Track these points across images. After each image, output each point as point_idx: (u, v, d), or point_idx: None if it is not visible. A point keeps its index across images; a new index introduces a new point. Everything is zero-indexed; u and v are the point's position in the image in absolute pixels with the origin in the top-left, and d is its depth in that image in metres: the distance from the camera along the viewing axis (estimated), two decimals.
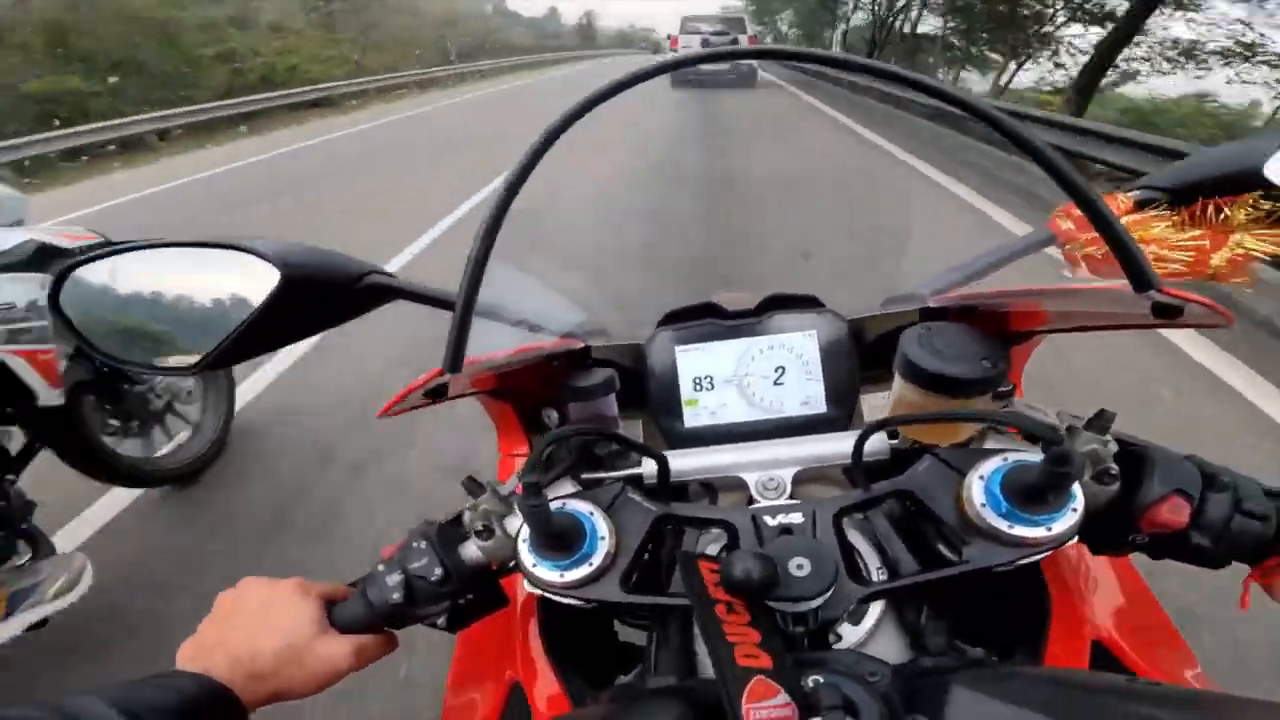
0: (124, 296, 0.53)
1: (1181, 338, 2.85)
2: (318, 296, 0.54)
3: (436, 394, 0.46)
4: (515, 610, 0.61)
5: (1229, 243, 0.50)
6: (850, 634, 0.48)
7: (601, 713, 0.48)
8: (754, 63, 14.23)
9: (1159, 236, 0.53)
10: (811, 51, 0.48)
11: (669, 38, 18.77)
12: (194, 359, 0.52)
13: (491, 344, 0.62)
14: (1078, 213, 0.56)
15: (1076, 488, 0.43)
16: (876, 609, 0.49)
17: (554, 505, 0.48)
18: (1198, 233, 0.52)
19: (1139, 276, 0.41)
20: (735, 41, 15.25)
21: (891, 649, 0.49)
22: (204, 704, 0.43)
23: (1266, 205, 0.51)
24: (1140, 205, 0.56)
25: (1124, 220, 0.55)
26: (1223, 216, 0.52)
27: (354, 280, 0.55)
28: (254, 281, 0.51)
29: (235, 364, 0.54)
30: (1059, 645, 0.49)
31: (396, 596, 0.49)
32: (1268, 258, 0.50)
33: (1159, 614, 0.61)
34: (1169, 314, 0.43)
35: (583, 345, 0.66)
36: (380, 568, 0.51)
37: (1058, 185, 0.42)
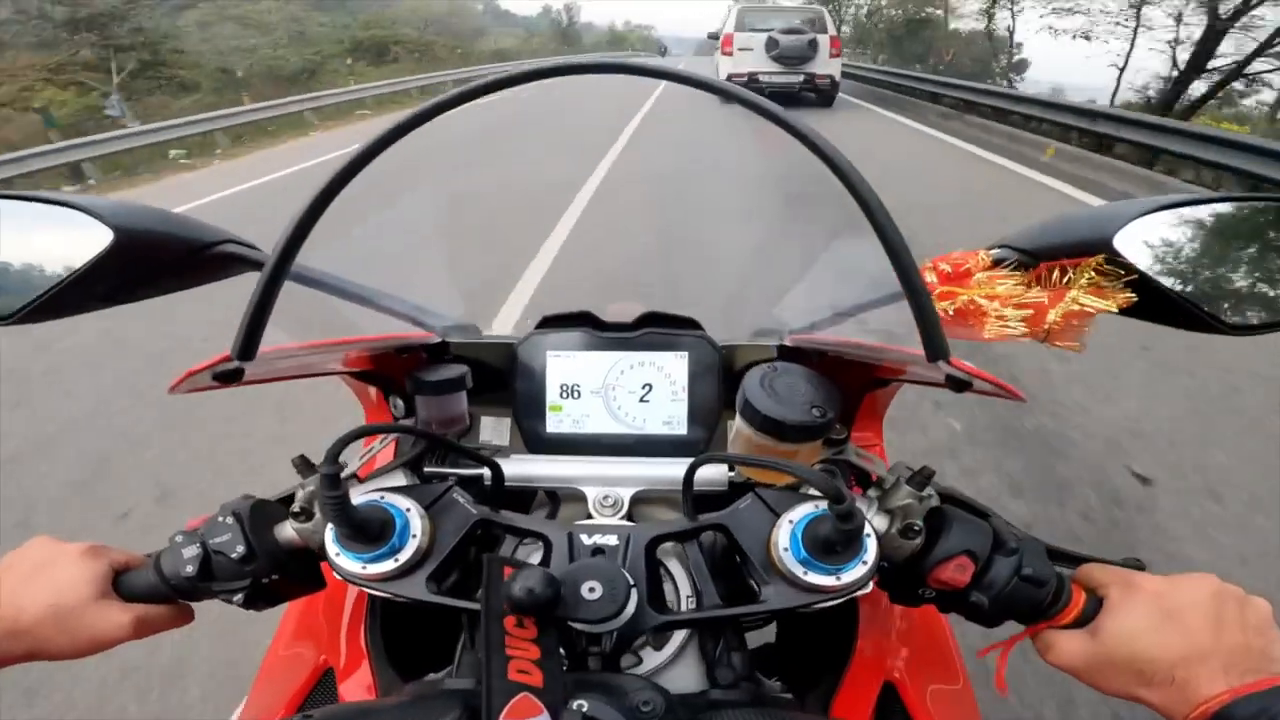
0: None
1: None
2: (156, 260, 0.52)
3: (228, 377, 0.45)
4: (343, 596, 0.60)
5: (1064, 299, 0.51)
6: (650, 659, 0.49)
7: (390, 705, 0.47)
8: (837, 75, 11.27)
9: (1004, 294, 0.53)
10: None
11: (716, 36, 12.60)
12: (5, 311, 0.50)
13: (356, 325, 0.61)
14: (943, 268, 0.57)
15: (870, 541, 0.45)
16: (679, 637, 0.50)
17: (371, 498, 0.48)
18: (1040, 292, 0.53)
19: (932, 346, 0.42)
20: (814, 44, 10.96)
21: (689, 677, 0.50)
22: None
23: (1110, 271, 0.52)
24: (997, 263, 0.57)
25: (977, 276, 0.56)
26: (1066, 279, 0.53)
27: (203, 247, 0.54)
28: (85, 240, 0.49)
29: (53, 319, 0.51)
30: (853, 685, 0.51)
31: (190, 569, 0.48)
32: (1095, 315, 0.51)
33: (956, 664, 0.63)
34: (960, 385, 0.45)
35: (439, 340, 0.65)
36: (179, 538, 0.50)
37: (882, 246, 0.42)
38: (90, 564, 0.48)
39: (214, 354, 0.46)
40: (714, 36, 13.10)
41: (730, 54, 11.61)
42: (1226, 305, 0.52)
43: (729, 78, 8.84)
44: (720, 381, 0.67)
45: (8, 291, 0.50)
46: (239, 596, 0.50)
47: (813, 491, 0.51)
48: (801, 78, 11.24)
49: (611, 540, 0.48)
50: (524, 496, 0.63)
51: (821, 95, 11.47)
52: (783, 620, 0.67)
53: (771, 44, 11.23)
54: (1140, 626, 0.42)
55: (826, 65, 11.40)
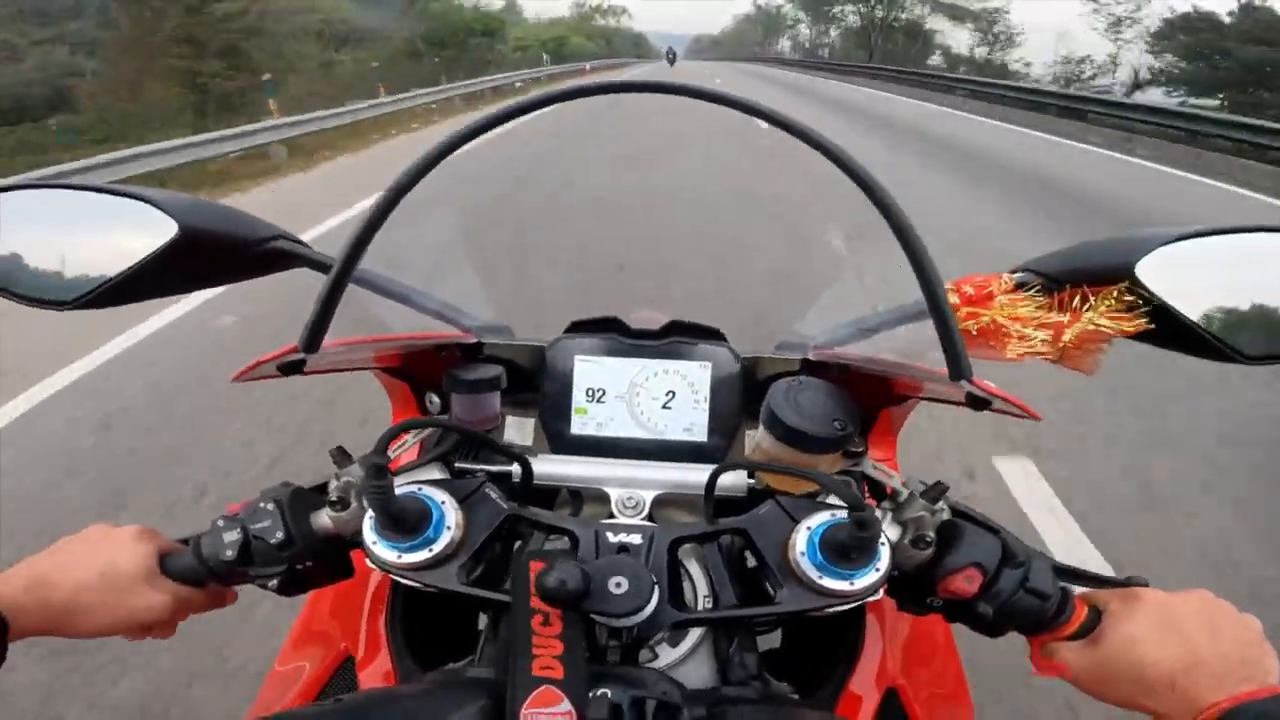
0: (15, 231, 0.54)
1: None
2: (215, 254, 0.55)
3: (292, 369, 0.47)
4: (365, 587, 0.62)
5: (1081, 319, 0.52)
6: (666, 655, 0.51)
7: (416, 692, 0.49)
8: None
9: (1026, 316, 0.55)
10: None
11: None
12: (70, 296, 0.52)
13: (396, 322, 0.64)
14: (966, 290, 0.58)
15: (884, 549, 0.47)
16: (695, 635, 0.52)
17: (409, 489, 0.50)
18: (1059, 316, 0.54)
19: (954, 365, 0.44)
20: None
21: (702, 674, 0.51)
22: None
23: (1131, 299, 0.53)
24: (1019, 286, 0.58)
25: (1000, 298, 0.57)
26: (1087, 305, 0.54)
27: (257, 243, 0.57)
28: (151, 232, 0.52)
29: (116, 306, 0.54)
30: (857, 688, 0.52)
31: (230, 554, 0.50)
32: (1111, 338, 0.52)
33: (956, 672, 0.65)
34: (980, 404, 0.46)
35: (475, 340, 0.68)
36: (220, 522, 0.51)
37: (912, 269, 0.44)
38: (140, 545, 0.51)
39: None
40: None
41: None
42: (1246, 335, 0.53)
43: None
44: (741, 391, 0.68)
45: (73, 278, 0.53)
46: (274, 582, 0.52)
47: (830, 500, 0.52)
48: None
49: (636, 539, 0.50)
50: (548, 494, 0.65)
51: None
52: (789, 626, 0.69)
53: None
54: (1140, 635, 0.43)
55: None
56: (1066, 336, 0.52)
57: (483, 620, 0.67)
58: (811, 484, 0.54)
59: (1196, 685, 0.40)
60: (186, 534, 0.55)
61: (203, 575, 0.52)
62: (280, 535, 0.50)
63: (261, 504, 0.52)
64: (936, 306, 0.43)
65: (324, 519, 0.53)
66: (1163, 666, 0.41)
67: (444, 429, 0.61)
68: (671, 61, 46.39)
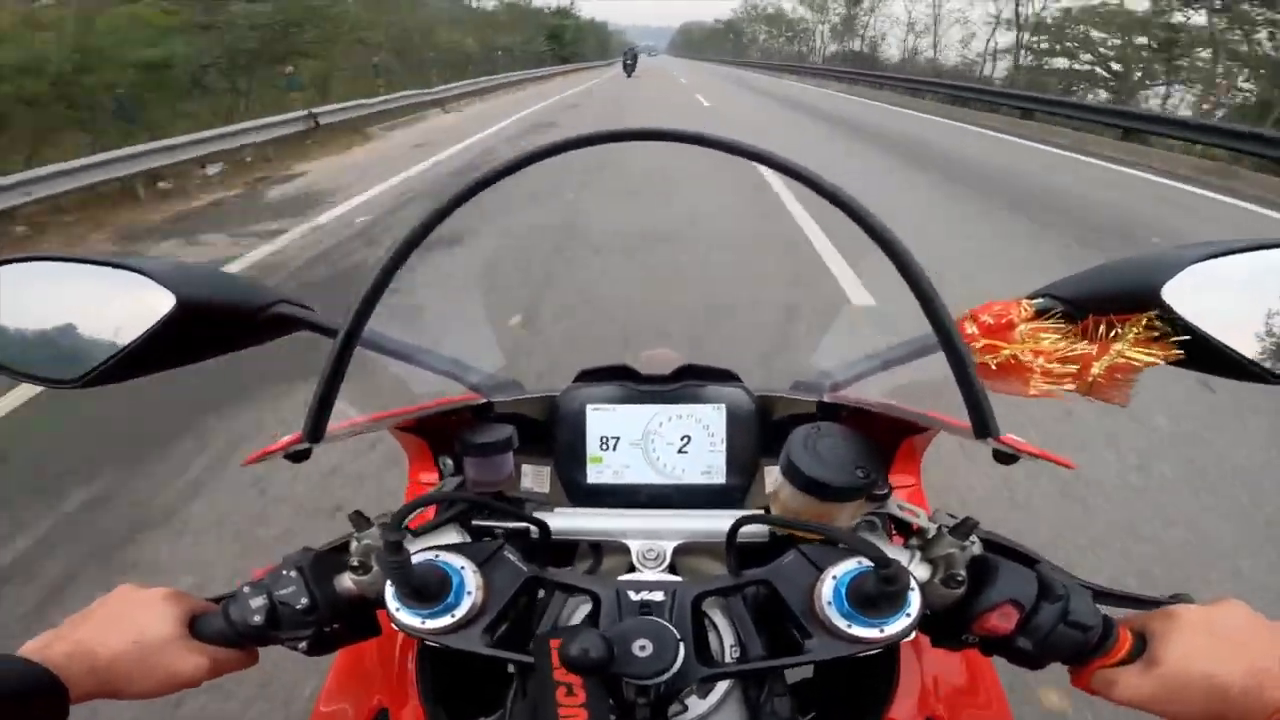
0: (13, 305, 0.53)
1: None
2: (216, 324, 0.54)
3: (299, 458, 0.47)
4: (395, 638, 0.61)
5: (1110, 351, 0.51)
6: (696, 707, 0.50)
7: None
8: None
9: (1049, 349, 0.53)
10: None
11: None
12: (76, 374, 0.52)
13: (403, 379, 0.63)
14: (984, 320, 0.56)
15: (914, 596, 0.46)
16: (723, 686, 0.51)
17: (428, 556, 0.50)
18: (1087, 345, 0.52)
19: (980, 424, 0.43)
20: None
21: None
22: (22, 686, 0.43)
23: (1160, 326, 0.51)
24: (1040, 313, 0.56)
25: (1020, 329, 0.55)
26: (1114, 334, 0.52)
27: (258, 310, 0.56)
28: (148, 305, 0.51)
29: (119, 382, 0.54)
30: None
31: (258, 619, 0.50)
32: (1142, 369, 0.50)
33: (998, 702, 0.63)
34: (1008, 460, 0.45)
35: (484, 400, 0.67)
36: (246, 589, 0.51)
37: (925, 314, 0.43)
38: (170, 607, 0.50)
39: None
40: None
41: None
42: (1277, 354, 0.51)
43: None
44: (758, 431, 0.67)
45: (76, 355, 0.52)
46: (303, 644, 0.52)
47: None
48: None
49: (658, 596, 0.49)
50: (568, 546, 0.64)
51: None
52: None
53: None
54: (1197, 651, 0.43)
55: None
56: (1096, 370, 0.50)
57: (511, 667, 0.65)
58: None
59: (1261, 686, 0.41)
60: (217, 593, 0.55)
61: (233, 637, 0.51)
62: (305, 601, 0.50)
63: (284, 571, 0.52)
64: (958, 361, 0.43)
65: (347, 582, 0.53)
66: (1226, 675, 0.42)
67: (473, 504, 0.60)
68: (631, 66, 30.67)
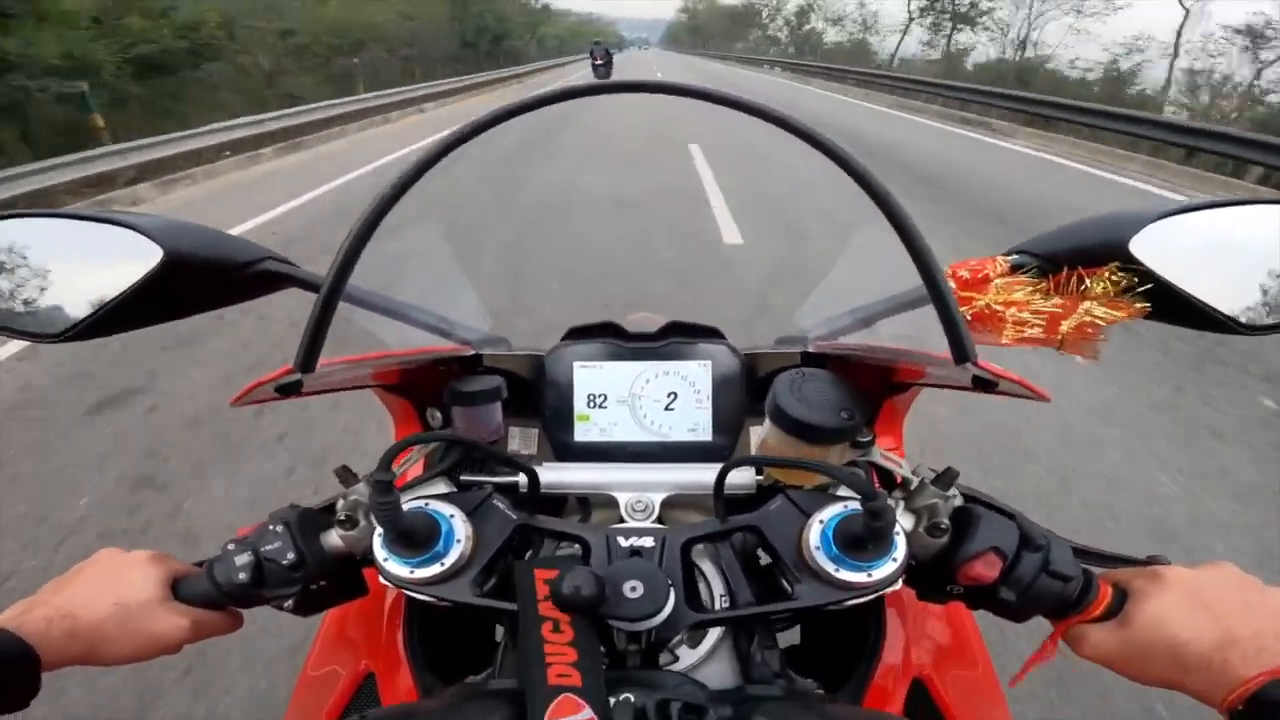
0: (2, 261, 0.53)
1: None
2: (203, 278, 0.54)
3: (289, 389, 0.47)
4: (382, 602, 0.62)
5: (1078, 310, 0.52)
6: (687, 656, 0.51)
7: (434, 706, 0.49)
8: None
9: (1022, 300, 0.55)
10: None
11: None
12: (60, 328, 0.52)
13: (392, 340, 0.63)
14: (961, 274, 0.58)
15: (899, 539, 0.46)
16: (714, 635, 0.51)
17: (416, 505, 0.50)
18: (1057, 300, 0.54)
19: (958, 349, 0.43)
20: None
21: (724, 674, 0.51)
22: None
23: (1123, 278, 0.53)
24: (1015, 269, 0.58)
25: (995, 282, 0.57)
26: (1083, 287, 0.54)
27: (245, 265, 0.56)
28: (136, 258, 0.51)
29: (104, 336, 0.54)
30: (883, 681, 0.52)
31: (243, 576, 0.50)
32: (1108, 326, 0.52)
33: (983, 660, 0.63)
34: (987, 386, 0.46)
35: (473, 353, 0.67)
36: (230, 546, 0.51)
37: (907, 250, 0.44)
38: (153, 570, 0.50)
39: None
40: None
41: None
42: (1241, 306, 0.53)
43: None
44: (743, 388, 0.68)
45: (61, 309, 0.52)
46: (289, 602, 0.52)
47: (841, 492, 0.52)
48: None
49: (648, 542, 0.50)
50: (556, 503, 0.64)
51: None
52: (808, 622, 0.69)
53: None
54: (1170, 613, 0.42)
55: None
56: (1064, 327, 0.52)
57: (500, 631, 0.66)
58: (822, 477, 0.54)
59: (1231, 661, 0.39)
60: (199, 557, 0.55)
61: (217, 599, 0.51)
62: (291, 556, 0.50)
63: (270, 526, 0.51)
64: (937, 292, 0.43)
65: (334, 538, 0.53)
66: (1196, 644, 0.40)
67: (448, 442, 0.60)
68: (604, 68, 22.15)
